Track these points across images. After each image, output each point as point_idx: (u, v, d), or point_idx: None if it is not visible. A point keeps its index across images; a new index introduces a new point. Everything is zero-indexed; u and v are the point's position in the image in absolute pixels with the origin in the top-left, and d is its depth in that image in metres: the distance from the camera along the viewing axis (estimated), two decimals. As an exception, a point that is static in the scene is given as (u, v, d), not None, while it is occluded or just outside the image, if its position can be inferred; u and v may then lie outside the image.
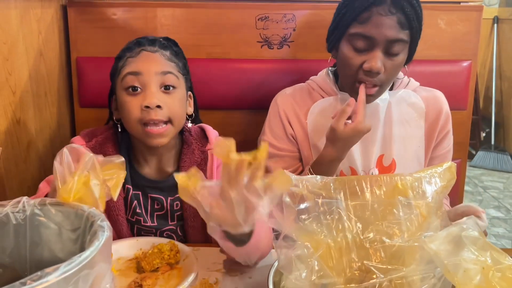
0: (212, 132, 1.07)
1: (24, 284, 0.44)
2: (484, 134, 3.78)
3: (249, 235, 0.74)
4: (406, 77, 1.16)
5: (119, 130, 1.03)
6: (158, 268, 0.87)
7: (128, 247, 0.93)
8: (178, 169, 1.03)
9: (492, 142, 3.67)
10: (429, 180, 0.69)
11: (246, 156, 0.63)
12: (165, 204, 1.04)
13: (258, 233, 0.75)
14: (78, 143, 1.02)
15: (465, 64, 1.38)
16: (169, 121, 0.96)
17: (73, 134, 1.43)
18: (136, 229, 1.04)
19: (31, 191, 1.17)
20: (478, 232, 0.62)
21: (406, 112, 1.13)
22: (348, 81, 1.06)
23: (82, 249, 0.54)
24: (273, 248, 0.85)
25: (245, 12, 1.35)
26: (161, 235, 1.04)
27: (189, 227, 1.04)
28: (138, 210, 1.03)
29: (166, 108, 0.94)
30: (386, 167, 1.12)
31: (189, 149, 1.04)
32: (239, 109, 1.40)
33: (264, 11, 1.35)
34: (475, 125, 3.67)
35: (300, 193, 0.68)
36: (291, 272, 0.64)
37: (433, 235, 0.63)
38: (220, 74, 1.37)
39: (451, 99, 1.19)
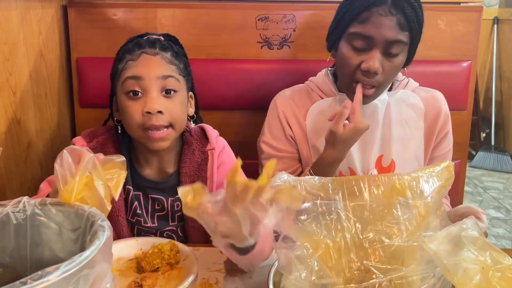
0: (212, 132, 1.07)
1: (25, 283, 0.44)
2: (484, 135, 3.78)
3: (253, 245, 0.74)
4: (405, 77, 1.16)
5: (120, 131, 1.03)
6: (158, 268, 0.88)
7: (128, 247, 0.93)
8: (179, 169, 1.04)
9: (492, 143, 3.67)
10: (427, 179, 0.69)
11: (252, 183, 0.62)
12: (165, 204, 1.04)
13: (262, 241, 0.75)
14: (79, 144, 1.02)
15: (465, 64, 1.39)
16: (170, 125, 0.95)
17: (73, 134, 1.43)
18: (136, 230, 1.04)
19: (32, 191, 1.17)
20: (478, 232, 0.62)
21: (405, 113, 1.13)
22: (346, 81, 1.06)
23: (82, 249, 0.54)
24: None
25: (245, 13, 1.36)
26: (161, 235, 1.04)
27: (189, 227, 1.04)
28: (138, 211, 1.03)
29: (167, 113, 0.94)
30: (385, 168, 1.13)
31: (190, 149, 1.04)
32: (239, 109, 1.40)
33: (264, 12, 1.36)
34: (475, 125, 3.67)
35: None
36: (291, 273, 0.64)
37: (433, 235, 0.63)
38: (220, 75, 1.37)
39: (451, 100, 1.19)
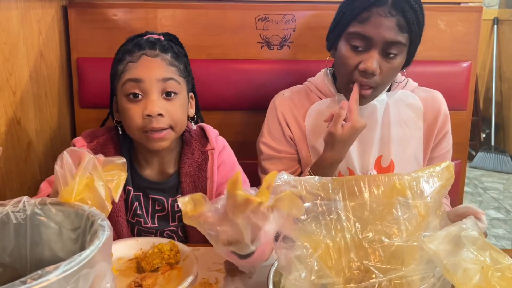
0: (212, 132, 1.07)
1: (24, 282, 0.44)
2: (484, 135, 3.78)
3: (255, 250, 0.74)
4: (404, 77, 1.16)
5: (120, 132, 1.02)
6: (158, 268, 0.88)
7: (128, 247, 0.93)
8: (179, 170, 1.04)
9: (492, 143, 3.67)
10: (427, 179, 0.69)
11: (253, 198, 0.62)
12: (166, 205, 1.04)
13: (263, 246, 0.75)
14: (79, 144, 1.02)
15: (465, 64, 1.39)
16: (170, 127, 0.95)
17: (73, 134, 1.43)
18: (136, 230, 1.04)
19: (32, 191, 1.17)
20: (478, 232, 0.62)
21: (404, 113, 1.13)
22: (344, 81, 1.06)
23: (82, 248, 0.54)
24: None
25: (245, 13, 1.36)
26: (161, 236, 1.04)
27: (190, 227, 1.04)
28: (138, 212, 1.03)
29: (168, 116, 0.94)
30: (384, 168, 1.13)
31: (190, 149, 1.04)
32: (239, 109, 1.40)
33: (264, 12, 1.36)
34: (475, 126, 3.67)
35: (298, 194, 0.68)
36: (291, 273, 0.64)
37: (433, 235, 0.63)
38: (220, 75, 1.37)
39: (451, 100, 1.19)
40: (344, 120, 1.00)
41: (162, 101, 0.94)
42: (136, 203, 1.03)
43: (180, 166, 1.03)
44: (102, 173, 0.72)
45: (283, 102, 1.17)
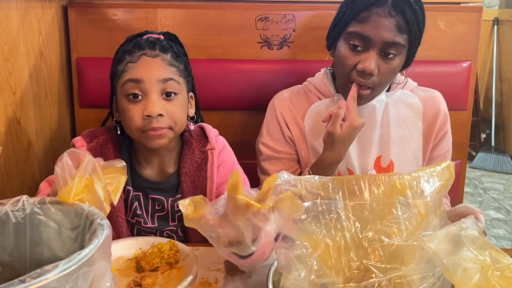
0: (211, 132, 1.07)
1: (24, 281, 0.44)
2: (484, 136, 3.78)
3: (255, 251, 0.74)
4: (403, 77, 1.15)
5: (119, 132, 1.02)
6: (157, 267, 0.88)
7: (128, 247, 0.93)
8: (179, 169, 1.03)
9: (492, 144, 3.67)
10: (427, 179, 0.69)
11: (254, 203, 0.62)
12: (166, 205, 1.04)
13: (263, 246, 0.75)
14: (79, 144, 1.02)
15: (465, 65, 1.39)
16: (170, 128, 0.95)
17: (73, 134, 1.43)
18: (136, 230, 1.04)
19: (31, 191, 1.17)
20: (477, 231, 0.62)
21: (404, 113, 1.13)
22: (342, 81, 1.06)
23: (82, 247, 0.54)
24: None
25: (245, 13, 1.36)
26: (161, 235, 1.04)
27: (190, 227, 1.03)
28: (138, 212, 1.03)
29: (168, 116, 0.94)
30: (384, 168, 1.12)
31: (190, 149, 1.04)
32: (239, 109, 1.40)
33: (264, 12, 1.36)
34: (475, 126, 3.67)
35: (298, 193, 0.68)
36: (290, 272, 0.64)
37: (432, 234, 0.63)
38: (220, 75, 1.37)
39: (451, 100, 1.19)
40: (343, 119, 1.00)
41: (162, 102, 0.94)
42: (136, 203, 1.03)
43: (180, 166, 1.03)
44: (102, 175, 0.72)
45: (282, 103, 1.17)
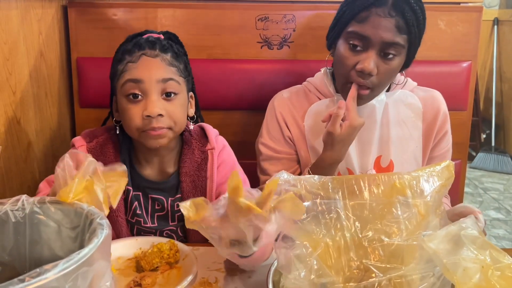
0: (212, 132, 1.07)
1: (23, 281, 0.44)
2: (484, 136, 3.78)
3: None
4: (404, 77, 1.15)
5: (118, 132, 1.02)
6: (157, 267, 0.87)
7: (128, 246, 0.93)
8: (179, 169, 1.03)
9: (493, 144, 3.67)
10: (427, 178, 0.69)
11: (256, 208, 0.62)
12: (165, 204, 1.04)
13: (264, 246, 0.75)
14: (78, 144, 1.02)
15: (465, 64, 1.39)
16: (169, 128, 0.95)
17: (73, 134, 1.43)
18: (136, 230, 1.04)
19: (31, 191, 1.17)
20: (478, 231, 0.62)
21: (403, 113, 1.13)
22: (342, 81, 1.06)
23: (81, 247, 0.54)
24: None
25: (245, 13, 1.36)
26: (161, 235, 1.04)
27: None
28: (138, 211, 1.03)
29: (168, 116, 0.94)
30: (383, 168, 1.12)
31: (190, 149, 1.04)
32: (239, 109, 1.40)
33: (264, 12, 1.36)
34: (475, 126, 3.67)
35: (298, 193, 0.68)
36: (290, 272, 0.64)
37: (432, 234, 0.63)
38: (220, 75, 1.37)
39: (451, 100, 1.19)
40: (342, 119, 1.00)
41: (162, 102, 0.94)
42: (136, 203, 1.03)
43: (180, 166, 1.03)
44: (102, 178, 0.72)
45: (282, 103, 1.17)
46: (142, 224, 1.03)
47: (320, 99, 1.15)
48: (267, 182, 0.64)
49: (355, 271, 0.65)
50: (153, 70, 0.93)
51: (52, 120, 1.32)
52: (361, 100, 1.05)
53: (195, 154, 1.04)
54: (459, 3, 1.41)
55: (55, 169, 0.71)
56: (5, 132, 1.07)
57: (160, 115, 0.93)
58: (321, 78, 1.16)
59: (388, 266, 0.64)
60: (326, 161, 1.04)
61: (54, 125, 1.32)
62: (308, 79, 1.20)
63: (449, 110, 1.16)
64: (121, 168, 0.77)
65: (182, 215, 1.03)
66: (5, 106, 1.06)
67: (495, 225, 2.74)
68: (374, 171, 1.12)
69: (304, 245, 0.65)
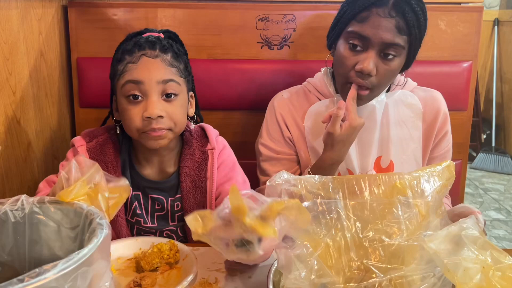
0: (212, 132, 1.07)
1: (22, 281, 0.44)
2: (484, 136, 3.78)
3: None
4: (404, 77, 1.15)
5: (118, 132, 1.02)
6: (157, 267, 0.87)
7: (128, 247, 0.93)
8: (179, 169, 1.03)
9: (493, 144, 3.67)
10: (427, 179, 0.69)
11: (261, 230, 0.61)
12: (165, 204, 1.03)
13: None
14: (78, 143, 1.02)
15: (465, 65, 1.38)
16: (169, 129, 0.95)
17: (73, 134, 1.43)
18: (136, 230, 1.04)
19: (31, 191, 1.17)
20: (478, 231, 0.62)
21: (403, 113, 1.13)
22: (341, 81, 1.06)
23: (81, 247, 0.54)
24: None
25: (245, 13, 1.36)
26: (161, 235, 1.04)
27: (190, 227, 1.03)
28: (138, 211, 1.03)
29: (168, 117, 0.94)
30: (384, 169, 1.12)
31: (190, 149, 1.04)
32: (239, 109, 1.40)
33: (264, 12, 1.36)
34: (475, 127, 3.67)
35: (298, 193, 0.67)
36: (291, 272, 0.64)
37: (433, 234, 0.62)
38: (220, 75, 1.37)
39: (451, 100, 1.19)
40: (342, 120, 1.00)
41: (162, 103, 0.93)
42: (136, 203, 1.03)
43: (180, 166, 1.03)
44: (107, 187, 0.72)
45: (281, 103, 1.16)
46: (142, 224, 1.03)
47: (320, 100, 1.15)
48: (271, 201, 0.62)
49: (355, 271, 0.65)
50: (153, 71, 0.93)
51: (52, 120, 1.31)
52: (361, 100, 1.05)
53: (196, 154, 1.03)
54: (459, 3, 1.41)
55: (59, 170, 0.72)
56: (5, 132, 1.07)
57: (160, 116, 0.92)
58: (321, 78, 1.16)
59: (388, 266, 0.64)
60: (326, 162, 1.04)
61: (54, 125, 1.32)
62: (308, 79, 1.20)
63: (449, 110, 1.16)
64: (125, 182, 0.77)
65: (182, 215, 1.04)
66: (5, 106, 1.06)
67: (496, 225, 2.74)
68: (374, 172, 1.12)
69: (305, 245, 0.65)
